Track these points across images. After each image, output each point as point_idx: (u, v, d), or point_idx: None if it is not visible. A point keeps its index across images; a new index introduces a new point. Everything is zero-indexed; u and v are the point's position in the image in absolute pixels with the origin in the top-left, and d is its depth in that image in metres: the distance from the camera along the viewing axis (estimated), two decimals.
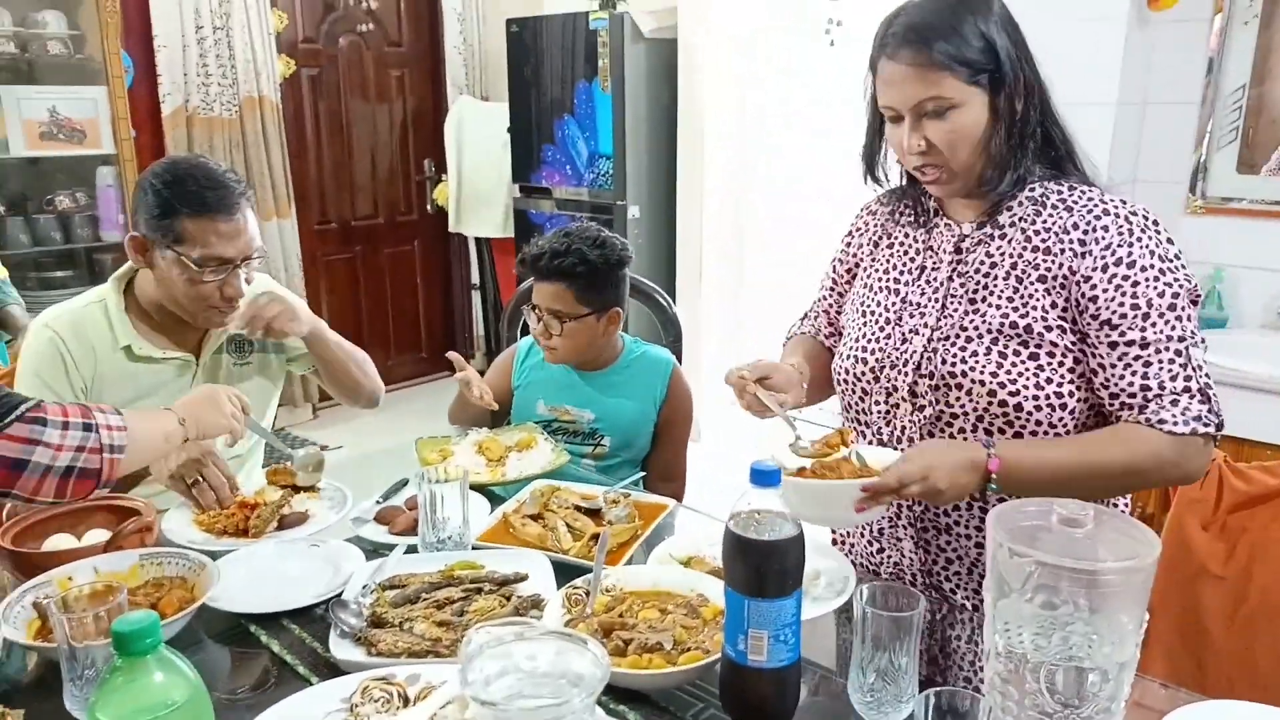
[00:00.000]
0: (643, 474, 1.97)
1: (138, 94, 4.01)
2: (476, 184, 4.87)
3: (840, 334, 1.56)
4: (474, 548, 1.44)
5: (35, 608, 1.20)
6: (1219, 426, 1.25)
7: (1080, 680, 0.89)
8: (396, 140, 5.19)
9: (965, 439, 1.35)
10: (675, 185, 4.25)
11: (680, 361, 2.10)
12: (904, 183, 1.48)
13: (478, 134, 4.83)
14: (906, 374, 1.39)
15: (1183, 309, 1.27)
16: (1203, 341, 1.28)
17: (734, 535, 1.01)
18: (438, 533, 1.42)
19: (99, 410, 1.29)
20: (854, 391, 1.48)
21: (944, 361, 1.35)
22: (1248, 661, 1.51)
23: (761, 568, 1.00)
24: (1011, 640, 0.93)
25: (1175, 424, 1.24)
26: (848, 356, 1.48)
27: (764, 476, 1.02)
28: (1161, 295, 1.26)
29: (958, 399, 1.35)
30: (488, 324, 5.41)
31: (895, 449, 1.41)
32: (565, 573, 1.33)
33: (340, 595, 1.26)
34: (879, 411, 1.44)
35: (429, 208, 5.29)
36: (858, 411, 1.49)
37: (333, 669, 1.14)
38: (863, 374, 1.45)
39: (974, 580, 1.43)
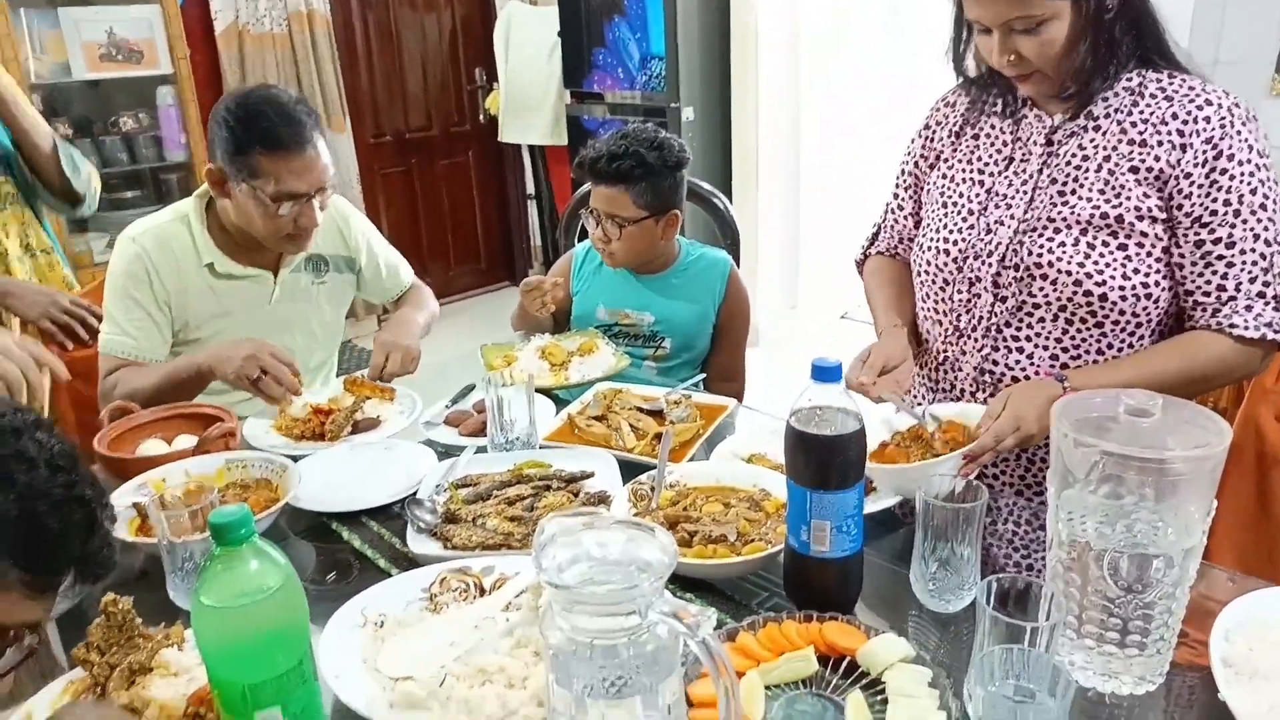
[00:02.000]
0: (703, 375, 1.99)
1: (190, 13, 4.01)
2: (527, 91, 4.82)
3: None
4: (541, 448, 1.48)
5: (135, 507, 1.28)
6: None
7: (1144, 566, 0.90)
8: (446, 49, 5.14)
9: (1044, 329, 1.36)
10: (730, 85, 4.15)
11: (738, 264, 2.09)
12: (984, 73, 1.43)
13: (527, 40, 4.75)
14: (990, 264, 1.38)
15: (1274, 210, 1.26)
16: None
17: (796, 430, 1.03)
18: (506, 434, 1.46)
19: None
20: (934, 281, 1.47)
21: (1030, 252, 1.34)
22: None
23: (824, 461, 1.02)
24: (1075, 529, 0.94)
25: (1245, 328, 1.25)
26: (928, 247, 1.47)
27: (825, 372, 1.02)
28: (1254, 193, 1.25)
29: (1041, 289, 1.34)
30: (544, 233, 5.42)
31: (972, 338, 1.42)
32: (630, 470, 1.37)
33: (415, 494, 1.31)
34: (960, 300, 1.43)
35: (481, 117, 5.26)
36: (936, 301, 1.48)
37: (411, 562, 1.20)
38: (945, 264, 1.44)
39: (1020, 465, 1.45)
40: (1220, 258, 1.27)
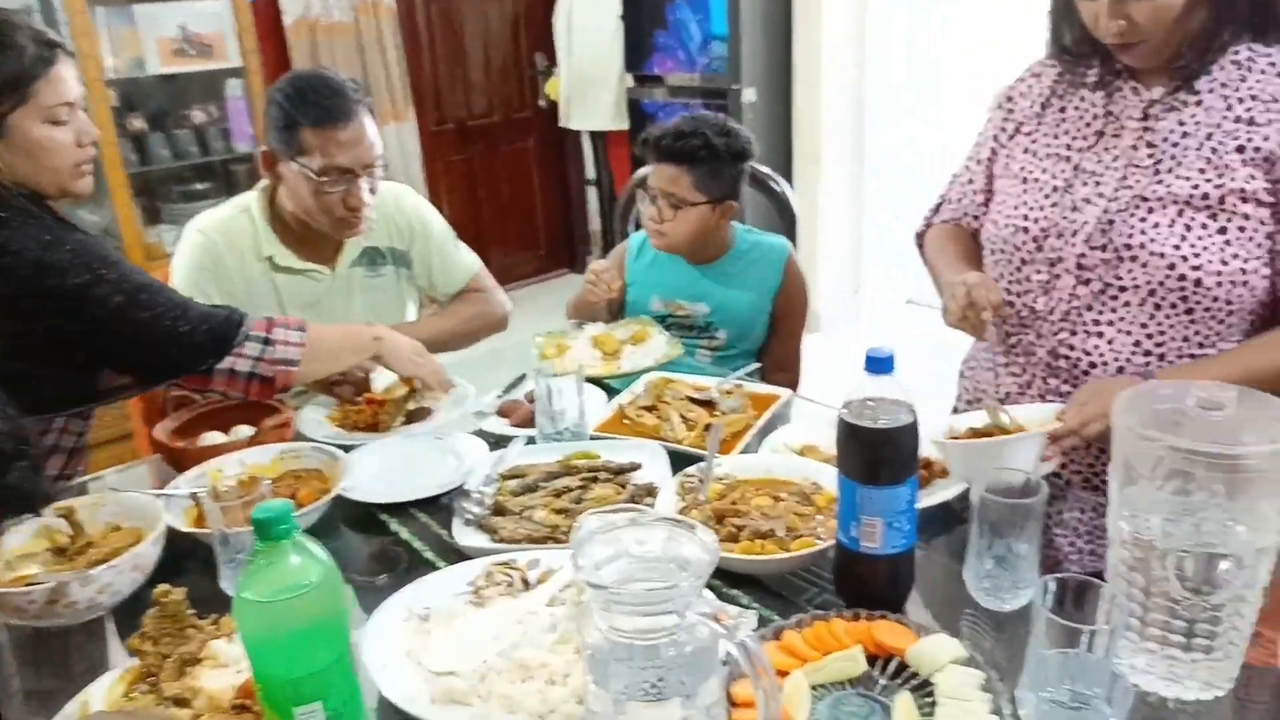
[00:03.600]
0: (758, 365, 1.96)
1: (259, 6, 4.09)
2: (588, 75, 4.80)
3: None
4: (591, 438, 1.48)
5: (192, 498, 1.30)
6: None
7: (1212, 567, 0.85)
8: (508, 35, 5.14)
9: (1128, 315, 1.28)
10: (791, 66, 4.08)
11: (795, 248, 2.06)
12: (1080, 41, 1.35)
13: (588, 23, 4.73)
14: (1075, 244, 1.31)
15: None
16: None
17: (847, 423, 1.00)
18: (555, 424, 1.46)
19: (282, 326, 1.47)
20: (1010, 261, 1.39)
21: (1121, 232, 1.27)
22: None
23: (875, 455, 0.99)
24: (1139, 527, 0.89)
25: None
26: (1005, 225, 1.39)
27: (879, 364, 0.99)
28: None
29: (1130, 271, 1.26)
30: (604, 219, 5.41)
31: (1049, 321, 1.35)
32: (679, 462, 1.35)
33: (464, 485, 1.32)
34: (1038, 282, 1.36)
35: (542, 103, 5.26)
36: (1011, 282, 1.40)
37: (458, 554, 1.20)
38: (1023, 242, 1.36)
39: (1089, 455, 1.36)
40: None
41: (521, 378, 1.75)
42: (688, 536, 0.78)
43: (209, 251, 1.77)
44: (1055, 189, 1.35)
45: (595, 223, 5.55)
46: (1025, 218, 1.37)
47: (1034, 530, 1.02)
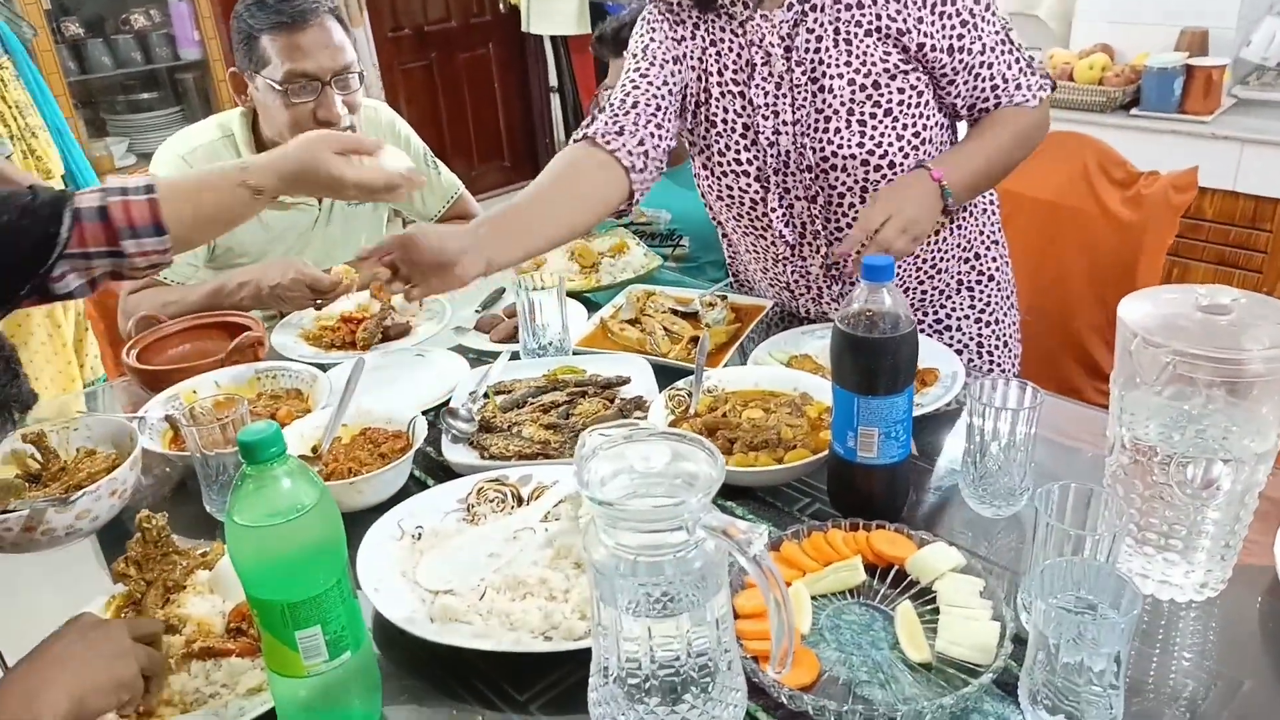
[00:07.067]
0: (731, 279, 1.93)
1: None
2: None
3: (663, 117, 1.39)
4: (574, 353, 1.45)
5: (167, 420, 1.26)
6: (1054, 85, 1.42)
7: (1211, 471, 0.86)
8: None
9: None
10: None
11: None
12: None
13: None
14: (787, 174, 1.40)
15: (990, 2, 1.35)
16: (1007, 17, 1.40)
17: (844, 333, 0.98)
18: (538, 339, 1.43)
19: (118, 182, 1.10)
20: (743, 203, 1.46)
21: (814, 150, 1.37)
22: None
23: (873, 366, 0.97)
24: (1138, 433, 0.89)
25: (1028, 100, 1.39)
26: (726, 173, 1.44)
27: (876, 272, 0.96)
28: (977, 1, 1.33)
29: (839, 179, 1.38)
30: (568, 128, 5.28)
31: (804, 245, 1.47)
32: (666, 375, 1.33)
33: (449, 402, 1.29)
34: (778, 216, 1.44)
35: (501, 7, 5.07)
36: (754, 218, 1.47)
37: (447, 472, 1.18)
38: (749, 186, 1.43)
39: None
40: (982, 64, 1.36)
41: (500, 291, 1.71)
42: (692, 451, 0.76)
43: None
44: (747, 127, 1.40)
45: (561, 131, 5.41)
46: (737, 160, 1.42)
47: (1028, 436, 1.02)
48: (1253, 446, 0.85)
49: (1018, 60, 1.39)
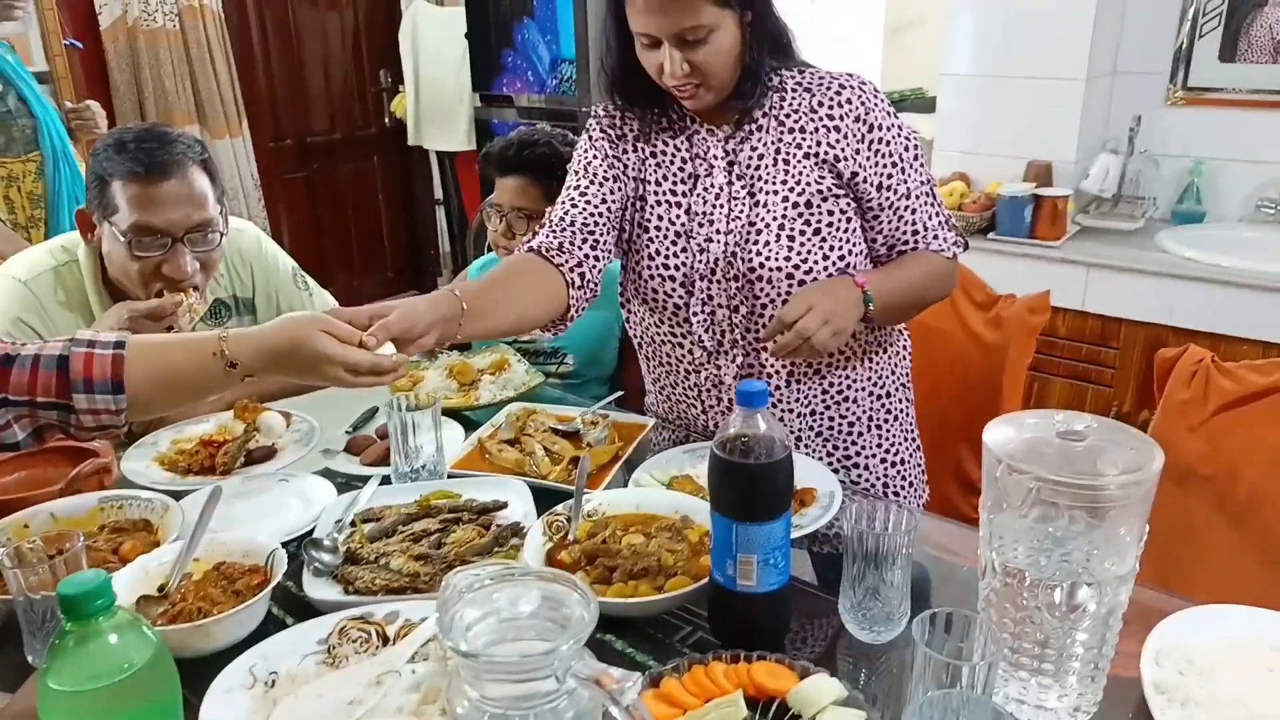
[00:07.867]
0: (619, 394, 1.92)
1: (73, 3, 3.78)
2: (436, 94, 4.69)
3: (598, 239, 1.44)
4: (450, 476, 1.40)
5: None
6: (966, 246, 1.52)
7: (1075, 595, 0.87)
8: (349, 50, 4.97)
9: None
10: None
11: None
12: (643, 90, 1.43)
13: (434, 41, 4.63)
14: (714, 281, 1.45)
15: (919, 155, 1.45)
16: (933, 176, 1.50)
17: (720, 459, 0.97)
18: (411, 462, 1.37)
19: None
20: (665, 307, 1.49)
21: (743, 260, 1.42)
22: (1238, 564, 1.52)
23: (750, 492, 0.97)
24: (1006, 556, 0.90)
25: (944, 250, 1.47)
26: (653, 276, 1.48)
27: (750, 398, 0.97)
28: (906, 149, 1.43)
29: (764, 290, 1.42)
30: (453, 240, 5.29)
31: (720, 354, 1.50)
32: (545, 498, 1.30)
33: (313, 531, 1.22)
34: (699, 321, 1.48)
35: (387, 121, 5.11)
36: (675, 323, 1.51)
37: (309, 609, 1.10)
38: (673, 290, 1.47)
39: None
40: (906, 207, 1.44)
41: (372, 411, 1.65)
42: (564, 593, 0.73)
43: (34, 309, 1.58)
44: (679, 234, 1.46)
45: (446, 244, 5.41)
46: (666, 265, 1.47)
47: (904, 559, 1.02)
48: (1113, 569, 0.87)
49: (938, 213, 1.48)
